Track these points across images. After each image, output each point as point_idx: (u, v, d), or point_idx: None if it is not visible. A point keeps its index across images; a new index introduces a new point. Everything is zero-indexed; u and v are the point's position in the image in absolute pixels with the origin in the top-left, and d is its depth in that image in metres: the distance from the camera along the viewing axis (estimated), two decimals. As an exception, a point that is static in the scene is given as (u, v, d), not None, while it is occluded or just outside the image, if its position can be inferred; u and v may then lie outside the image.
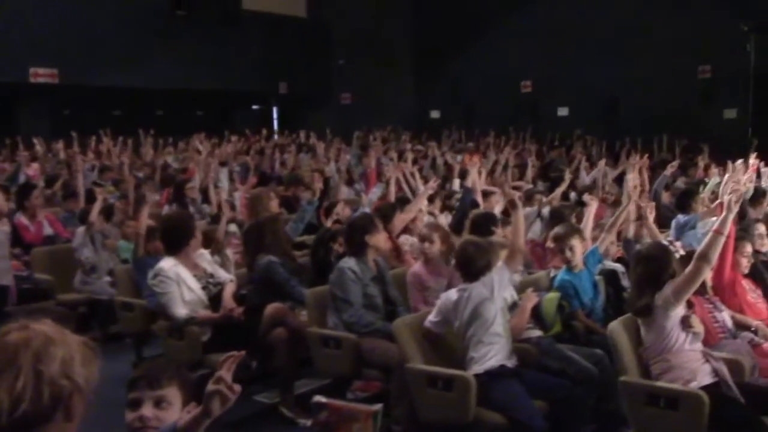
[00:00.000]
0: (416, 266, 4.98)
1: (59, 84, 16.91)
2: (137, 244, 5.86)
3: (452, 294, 4.07)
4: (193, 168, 10.23)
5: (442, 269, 4.85)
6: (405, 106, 21.63)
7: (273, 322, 4.73)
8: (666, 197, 8.21)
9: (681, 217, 6.80)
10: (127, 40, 17.72)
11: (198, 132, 15.78)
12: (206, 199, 8.33)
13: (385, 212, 5.81)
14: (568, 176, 8.85)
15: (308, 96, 22.64)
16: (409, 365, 3.99)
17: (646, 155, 10.17)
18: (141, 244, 5.79)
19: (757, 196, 7.41)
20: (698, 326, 3.74)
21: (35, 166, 11.16)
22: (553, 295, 4.61)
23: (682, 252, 4.38)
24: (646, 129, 16.54)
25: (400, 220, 5.88)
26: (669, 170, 8.51)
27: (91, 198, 7.96)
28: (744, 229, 5.16)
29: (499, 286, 4.02)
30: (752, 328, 4.40)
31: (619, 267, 5.21)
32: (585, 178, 10.51)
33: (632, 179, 6.43)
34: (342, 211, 6.52)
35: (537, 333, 4.43)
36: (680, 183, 9.97)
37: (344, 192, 9.32)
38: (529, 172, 11.07)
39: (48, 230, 7.44)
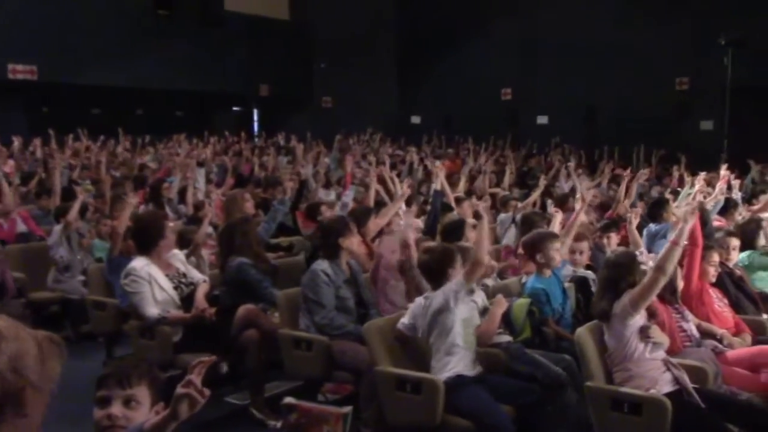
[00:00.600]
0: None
1: (38, 81, 16.76)
2: (113, 244, 5.84)
3: (420, 299, 4.11)
4: (166, 167, 10.20)
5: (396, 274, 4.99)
6: (386, 111, 21.68)
7: (244, 323, 4.74)
8: (640, 206, 8.32)
9: (653, 226, 6.90)
10: (107, 38, 17.61)
11: (177, 132, 15.74)
12: (183, 199, 8.31)
13: (359, 216, 5.83)
14: (542, 183, 8.92)
15: (289, 99, 22.63)
16: (378, 368, 4.01)
17: (629, 168, 10.30)
18: (117, 244, 5.77)
19: (728, 207, 7.54)
20: (659, 336, 3.79)
21: (11, 163, 11.07)
22: (523, 301, 4.65)
23: (650, 263, 4.43)
24: (624, 139, 16.73)
25: (374, 224, 5.91)
26: (642, 178, 8.61)
27: (67, 196, 7.93)
28: (707, 237, 5.24)
29: (456, 298, 3.96)
30: (717, 337, 4.48)
31: (590, 274, 5.27)
32: (564, 186, 10.60)
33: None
34: (326, 214, 6.55)
35: (506, 338, 4.46)
36: (654, 192, 10.10)
37: (321, 195, 9.35)
38: (507, 179, 11.14)
39: (21, 227, 7.39)
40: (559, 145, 17.30)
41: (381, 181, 7.90)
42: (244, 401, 5.03)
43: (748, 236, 5.84)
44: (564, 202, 7.51)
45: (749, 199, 8.50)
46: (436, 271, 4.10)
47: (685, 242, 4.83)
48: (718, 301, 4.80)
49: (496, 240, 7.56)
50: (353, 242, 4.89)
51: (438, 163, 12.36)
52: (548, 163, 14.81)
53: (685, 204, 4.29)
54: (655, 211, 7.05)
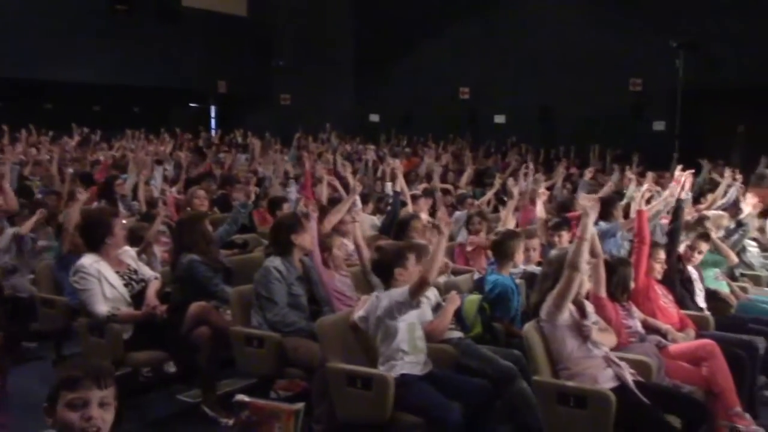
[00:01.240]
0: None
1: (-10, 76, 16.44)
2: (62, 241, 5.76)
3: (373, 297, 4.13)
4: (106, 162, 10.10)
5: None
6: (345, 109, 21.68)
7: (196, 320, 4.72)
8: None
9: (602, 224, 7.01)
10: (63, 32, 17.32)
11: (133, 129, 15.53)
12: (137, 196, 8.22)
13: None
14: (498, 182, 9.03)
15: (247, 96, 22.49)
16: (329, 364, 4.03)
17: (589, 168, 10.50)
18: (67, 241, 5.69)
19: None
20: (597, 335, 3.86)
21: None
22: (474, 297, 4.73)
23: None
24: (579, 139, 17.00)
25: (327, 221, 5.91)
26: (588, 176, 8.80)
27: (23, 194, 7.83)
28: (675, 233, 5.36)
29: (400, 310, 3.91)
30: (662, 332, 4.60)
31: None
32: (522, 185, 10.73)
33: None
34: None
35: (458, 334, 4.52)
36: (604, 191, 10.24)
37: (280, 192, 9.31)
38: (465, 178, 11.28)
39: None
40: (515, 145, 17.49)
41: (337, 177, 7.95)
42: (196, 399, 5.00)
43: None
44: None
45: (698, 198, 8.69)
46: (385, 270, 4.10)
47: (635, 240, 4.97)
48: (663, 298, 4.92)
49: (451, 237, 7.63)
50: (306, 239, 4.88)
51: (396, 161, 12.44)
52: (505, 163, 14.97)
53: (582, 198, 4.36)
54: (605, 209, 7.14)
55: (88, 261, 4.67)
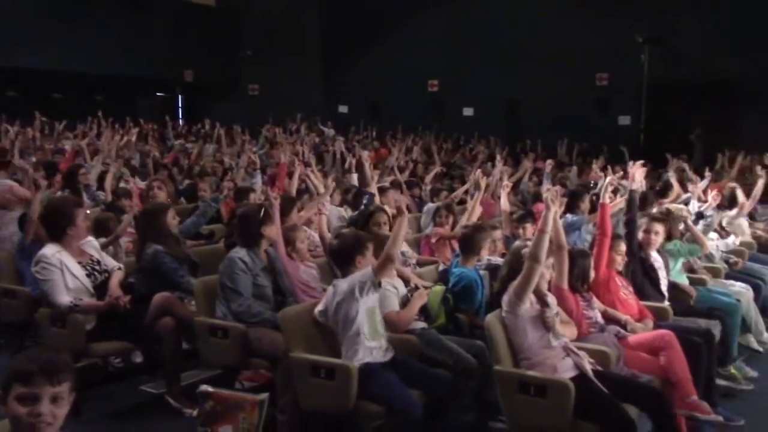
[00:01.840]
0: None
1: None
2: (26, 231, 5.68)
3: (330, 287, 4.15)
4: (72, 150, 9.97)
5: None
6: (313, 100, 21.64)
7: (160, 311, 4.70)
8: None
9: (569, 217, 7.09)
10: (25, 18, 17.03)
11: (95, 117, 15.32)
12: (102, 185, 8.13)
13: (283, 205, 5.83)
14: (472, 177, 9.07)
15: (215, 85, 22.33)
16: (292, 354, 4.04)
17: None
18: (30, 231, 5.61)
19: (646, 201, 7.85)
20: (558, 325, 3.93)
21: None
22: (438, 288, 4.77)
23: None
24: (546, 132, 17.17)
25: (297, 216, 5.91)
26: (548, 168, 8.92)
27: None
28: (630, 224, 5.45)
29: (361, 288, 3.92)
30: (622, 322, 4.68)
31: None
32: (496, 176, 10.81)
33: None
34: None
35: (421, 324, 4.56)
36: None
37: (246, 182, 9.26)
38: (431, 176, 11.33)
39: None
40: (482, 138, 17.59)
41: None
42: (160, 390, 4.99)
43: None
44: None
45: (664, 192, 8.82)
46: (344, 257, 4.11)
47: (597, 232, 5.04)
48: (623, 289, 5.01)
49: (419, 229, 7.68)
50: (273, 231, 4.89)
51: (365, 153, 12.47)
52: (472, 155, 15.06)
53: (546, 191, 4.39)
54: (572, 202, 7.22)
55: (50, 251, 4.63)
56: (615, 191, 6.77)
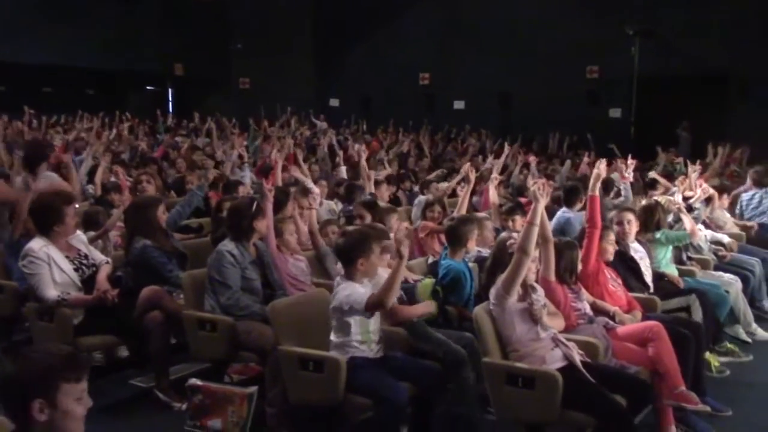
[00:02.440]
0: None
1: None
2: (14, 227, 5.65)
3: (337, 278, 4.12)
4: (63, 144, 9.94)
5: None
6: (304, 94, 21.56)
7: (148, 304, 4.68)
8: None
9: (565, 211, 7.08)
10: (13, 11, 16.89)
11: (89, 112, 15.26)
12: (92, 179, 8.10)
13: (278, 198, 5.81)
14: (464, 169, 9.08)
15: (205, 79, 22.23)
16: (281, 347, 4.04)
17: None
18: (18, 227, 5.57)
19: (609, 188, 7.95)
20: (546, 318, 3.93)
21: None
22: (428, 281, 4.77)
23: None
24: (537, 125, 17.19)
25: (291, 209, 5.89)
26: (533, 163, 8.99)
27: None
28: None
29: (351, 313, 3.85)
30: (610, 314, 4.69)
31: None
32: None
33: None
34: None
35: (411, 316, 4.56)
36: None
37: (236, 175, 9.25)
38: (425, 163, 11.41)
39: None
40: (473, 131, 17.60)
41: (297, 163, 7.95)
42: (149, 384, 4.98)
43: (653, 218, 6.07)
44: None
45: (653, 184, 8.85)
46: (345, 258, 4.02)
47: (587, 224, 5.05)
48: (612, 281, 5.02)
49: (409, 221, 7.69)
50: (264, 224, 4.89)
51: (357, 147, 12.51)
52: (463, 148, 15.08)
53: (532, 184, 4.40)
54: (570, 197, 7.18)
55: (37, 245, 4.60)
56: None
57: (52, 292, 4.54)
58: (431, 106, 20.48)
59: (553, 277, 4.38)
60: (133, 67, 20.29)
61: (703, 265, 6.55)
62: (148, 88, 23.86)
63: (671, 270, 5.99)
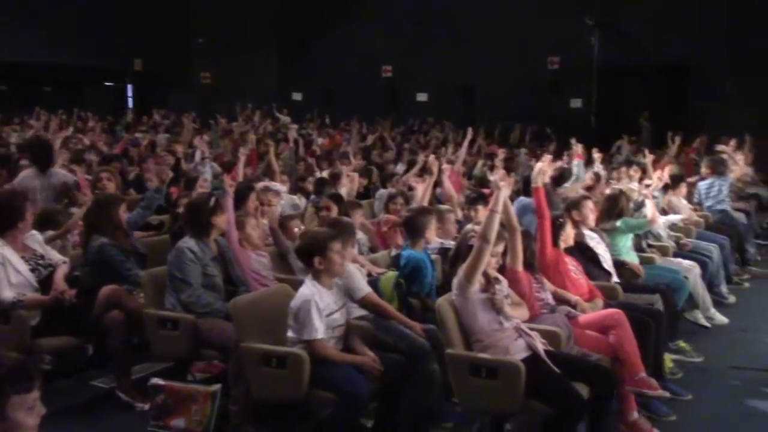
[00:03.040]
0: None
1: None
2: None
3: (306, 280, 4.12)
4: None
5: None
6: (267, 87, 21.41)
7: (107, 304, 4.61)
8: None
9: (523, 199, 7.14)
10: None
11: (46, 109, 14.96)
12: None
13: (241, 192, 5.76)
14: (421, 160, 9.09)
15: (166, 74, 21.93)
16: (243, 344, 4.00)
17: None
18: None
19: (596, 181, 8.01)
20: (502, 306, 3.94)
21: None
22: (390, 274, 4.78)
23: None
24: (499, 116, 17.28)
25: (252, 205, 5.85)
26: (501, 155, 9.05)
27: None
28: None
29: (309, 315, 3.86)
30: (572, 303, 4.73)
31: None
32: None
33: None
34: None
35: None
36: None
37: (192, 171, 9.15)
38: (390, 155, 11.42)
39: None
40: (436, 123, 17.64)
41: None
42: (111, 384, 4.91)
43: (616, 207, 6.14)
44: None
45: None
46: (303, 257, 4.05)
47: (536, 216, 5.08)
48: (573, 270, 5.06)
49: (373, 215, 7.68)
50: (223, 220, 4.83)
51: (321, 141, 12.48)
52: (426, 141, 15.09)
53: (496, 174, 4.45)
54: (526, 187, 7.25)
55: (-8, 246, 4.50)
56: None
57: (7, 294, 4.44)
58: (394, 98, 20.47)
59: (520, 267, 4.40)
60: (91, 62, 19.95)
61: (663, 252, 6.65)
62: (106, 83, 23.48)
63: (632, 258, 6.06)
